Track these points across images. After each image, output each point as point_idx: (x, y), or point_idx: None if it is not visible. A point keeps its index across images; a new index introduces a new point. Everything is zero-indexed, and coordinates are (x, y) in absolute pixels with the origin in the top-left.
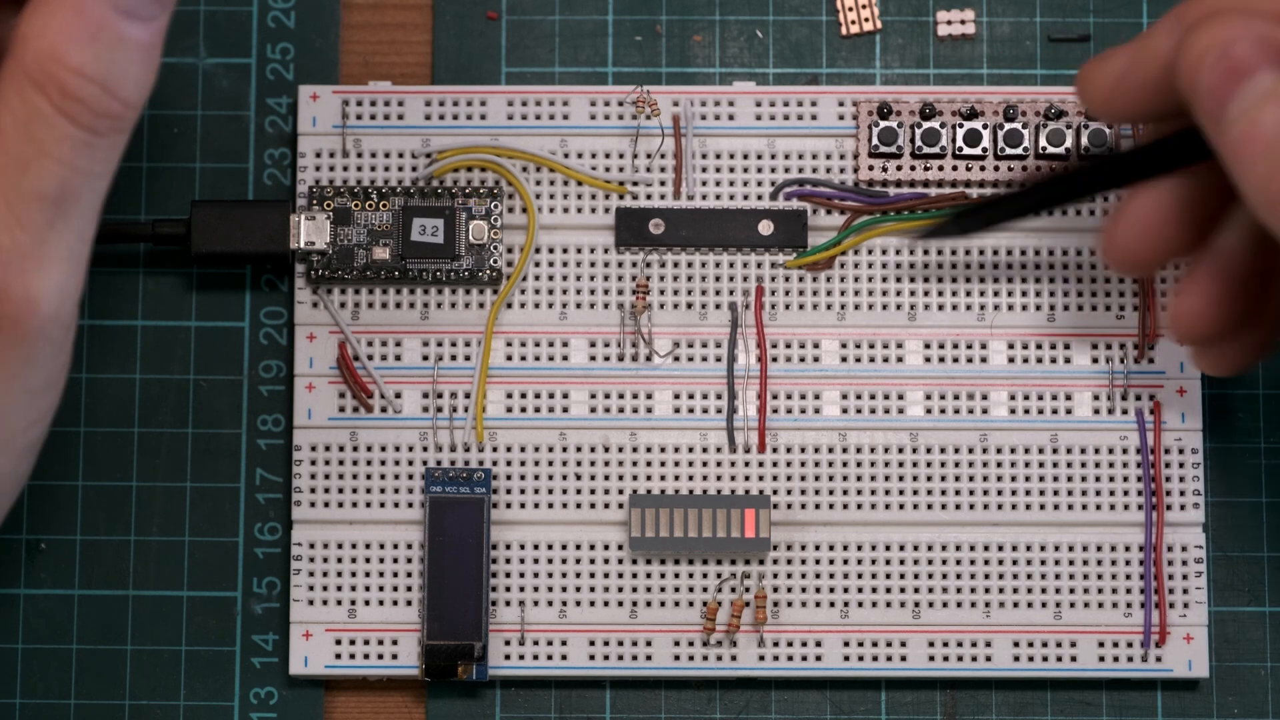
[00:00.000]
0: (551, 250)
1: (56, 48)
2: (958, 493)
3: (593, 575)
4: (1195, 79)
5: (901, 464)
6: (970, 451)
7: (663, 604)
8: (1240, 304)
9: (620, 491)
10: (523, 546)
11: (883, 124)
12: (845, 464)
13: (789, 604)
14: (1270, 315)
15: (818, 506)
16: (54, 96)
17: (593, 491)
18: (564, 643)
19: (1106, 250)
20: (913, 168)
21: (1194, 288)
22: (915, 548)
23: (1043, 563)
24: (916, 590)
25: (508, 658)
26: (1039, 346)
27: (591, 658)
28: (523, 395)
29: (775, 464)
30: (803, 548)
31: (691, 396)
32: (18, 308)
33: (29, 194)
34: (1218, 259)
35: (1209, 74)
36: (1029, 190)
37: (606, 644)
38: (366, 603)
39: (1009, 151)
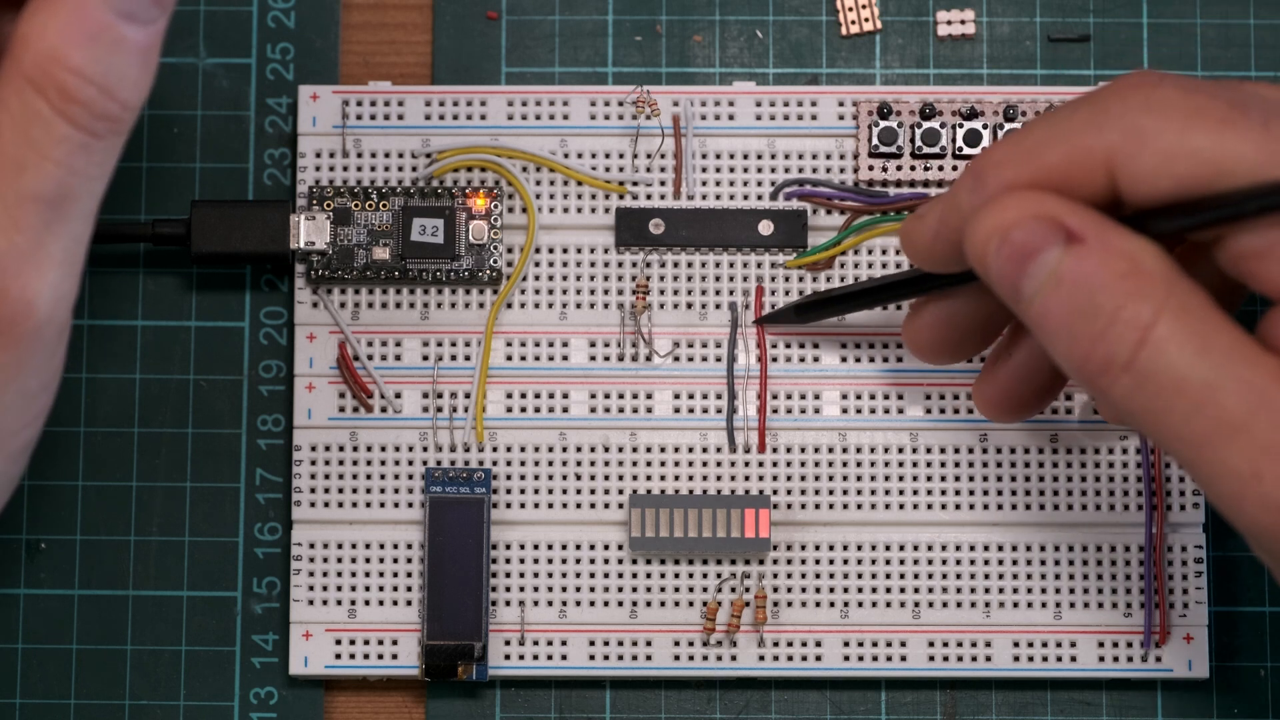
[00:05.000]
0: (551, 250)
1: (56, 49)
2: (958, 493)
3: (593, 575)
4: (984, 265)
5: (901, 464)
6: (970, 451)
7: (663, 604)
8: (1032, 401)
9: (620, 491)
10: (523, 546)
11: (883, 124)
12: (845, 464)
13: (789, 604)
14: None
15: (818, 506)
16: (53, 98)
17: (593, 491)
18: (564, 643)
19: (905, 342)
20: (913, 168)
21: (989, 383)
22: (915, 548)
23: (1043, 563)
24: (916, 590)
25: (508, 658)
26: None
27: (591, 658)
28: (523, 395)
29: (775, 464)
30: (803, 548)
31: (691, 396)
32: (14, 310)
33: (26, 196)
34: (1011, 367)
35: (995, 261)
36: (859, 291)
37: (606, 644)
38: (366, 603)
39: None
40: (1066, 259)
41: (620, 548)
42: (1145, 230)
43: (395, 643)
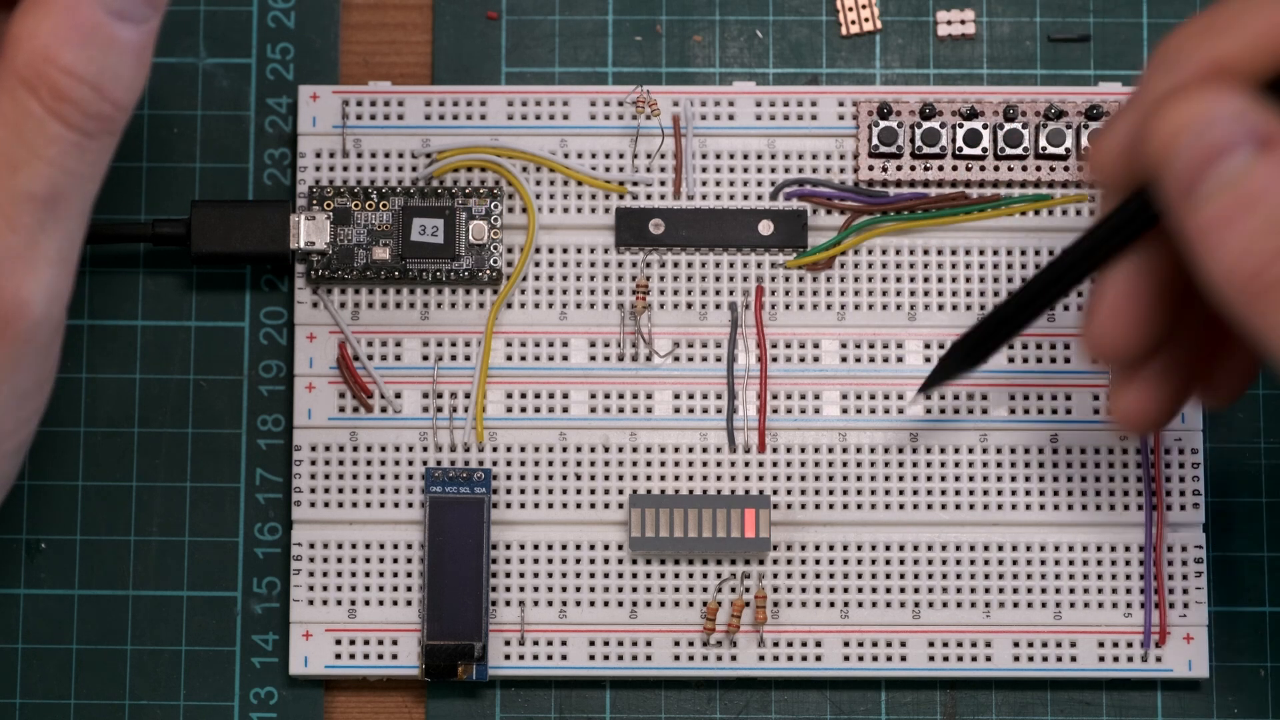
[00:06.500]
0: (551, 250)
1: (49, 49)
2: (958, 493)
3: (593, 575)
4: (1168, 156)
5: (901, 464)
6: (970, 451)
7: (663, 604)
8: (1178, 399)
9: (620, 491)
10: (523, 546)
11: (883, 124)
12: (845, 464)
13: (789, 604)
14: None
15: (818, 506)
16: (45, 98)
17: (593, 491)
18: (564, 643)
19: (1087, 344)
20: (913, 168)
21: (1131, 391)
22: (915, 548)
23: (1043, 563)
24: (916, 590)
25: (508, 658)
26: (1039, 346)
27: (591, 658)
28: (523, 395)
29: (775, 464)
30: (803, 548)
31: (691, 396)
32: (8, 309)
33: (20, 195)
34: (1132, 278)
35: (1185, 154)
36: (1011, 310)
37: (606, 644)
38: (366, 603)
39: (1009, 151)
40: (1258, 165)
41: (620, 548)
42: None
43: (395, 643)
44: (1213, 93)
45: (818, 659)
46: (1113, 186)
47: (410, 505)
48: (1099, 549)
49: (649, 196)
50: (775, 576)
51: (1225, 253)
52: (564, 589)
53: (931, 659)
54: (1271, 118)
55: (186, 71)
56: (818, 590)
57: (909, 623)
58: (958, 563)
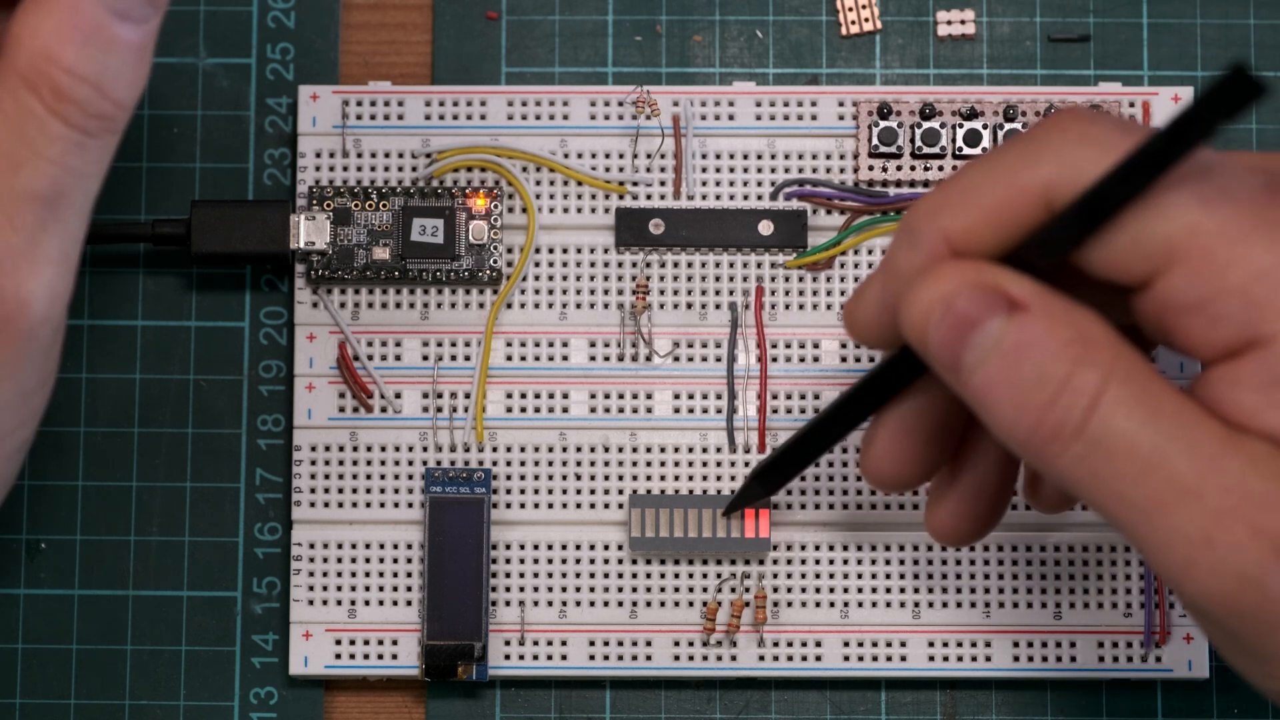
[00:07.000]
0: (551, 250)
1: (50, 48)
2: None
3: (593, 575)
4: (923, 336)
5: None
6: None
7: (663, 604)
8: (990, 514)
9: (620, 491)
10: (523, 546)
11: (883, 124)
12: (844, 464)
13: (789, 604)
14: (975, 489)
15: (817, 506)
16: (47, 97)
17: (593, 491)
18: (564, 643)
19: (866, 476)
20: (913, 168)
21: (940, 508)
22: (915, 548)
23: (1043, 563)
24: (916, 590)
25: (508, 658)
26: None
27: (591, 658)
28: (523, 395)
29: None
30: (803, 548)
31: (691, 396)
32: (10, 308)
33: (21, 195)
34: (963, 483)
35: (936, 332)
36: (811, 431)
37: (606, 644)
38: (366, 603)
39: None
40: (1011, 327)
41: (620, 548)
42: (1039, 258)
43: (395, 643)
44: (949, 271)
45: (818, 659)
46: (876, 346)
47: (410, 505)
48: (1099, 549)
49: (649, 196)
50: (775, 576)
51: (1001, 412)
52: (564, 589)
53: (931, 659)
54: (1014, 280)
55: (186, 71)
56: (818, 590)
57: (909, 623)
58: (958, 563)
